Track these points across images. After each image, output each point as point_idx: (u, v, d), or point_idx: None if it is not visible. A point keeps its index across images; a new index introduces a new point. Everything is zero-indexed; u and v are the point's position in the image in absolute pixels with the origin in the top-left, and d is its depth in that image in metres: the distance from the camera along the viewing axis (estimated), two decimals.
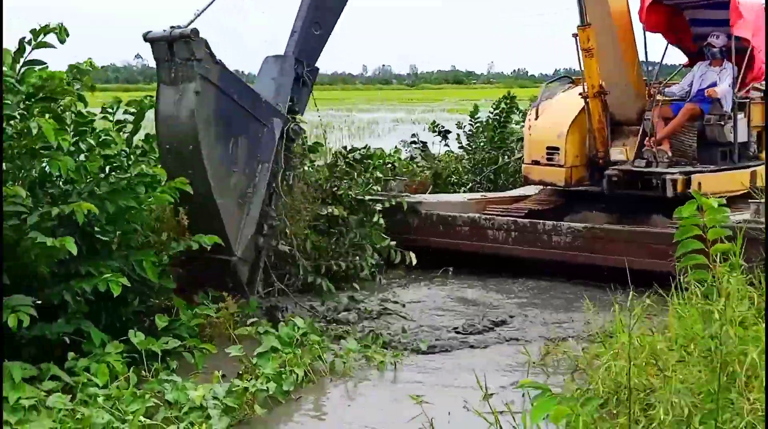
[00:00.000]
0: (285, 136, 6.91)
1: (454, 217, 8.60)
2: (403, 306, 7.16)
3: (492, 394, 4.76)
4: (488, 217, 8.61)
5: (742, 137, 8.49)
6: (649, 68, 9.53)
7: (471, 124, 12.12)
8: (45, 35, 5.07)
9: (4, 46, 4.93)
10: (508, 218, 8.52)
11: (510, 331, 6.60)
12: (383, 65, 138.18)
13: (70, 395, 4.61)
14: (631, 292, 4.54)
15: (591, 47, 8.50)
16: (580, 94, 8.85)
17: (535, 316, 6.98)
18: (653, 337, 4.24)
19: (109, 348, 5.01)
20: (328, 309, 7.10)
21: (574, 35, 8.54)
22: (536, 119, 9.20)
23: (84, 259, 5.02)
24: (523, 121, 11.98)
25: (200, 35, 6.00)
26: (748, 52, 8.31)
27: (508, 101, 11.77)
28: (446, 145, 12.16)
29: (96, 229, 5.20)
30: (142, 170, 5.15)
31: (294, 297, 7.16)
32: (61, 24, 5.13)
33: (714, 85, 8.51)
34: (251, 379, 4.95)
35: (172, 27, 6.08)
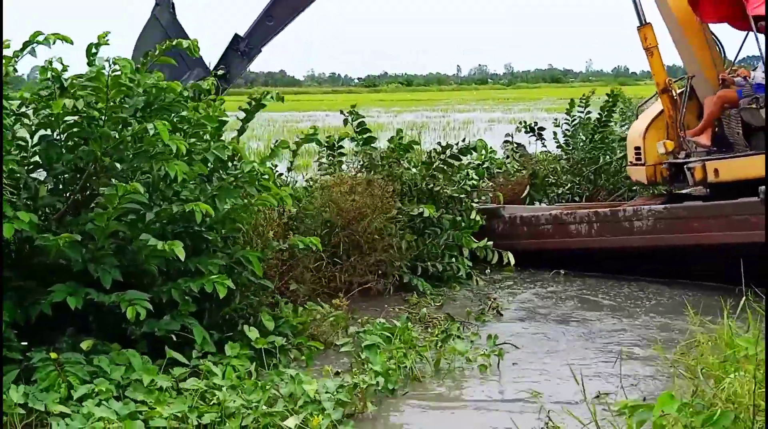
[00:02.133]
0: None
1: (536, 216, 8.67)
2: (499, 312, 7.10)
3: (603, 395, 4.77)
4: (569, 211, 8.63)
5: None
6: (751, 63, 9.22)
7: (568, 122, 11.90)
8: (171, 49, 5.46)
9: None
10: (589, 210, 8.55)
11: (610, 333, 6.47)
12: (479, 65, 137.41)
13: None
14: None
15: (650, 46, 8.58)
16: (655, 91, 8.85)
17: (636, 320, 6.82)
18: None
19: (228, 350, 5.19)
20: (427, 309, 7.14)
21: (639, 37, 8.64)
22: (636, 121, 9.27)
23: (191, 257, 5.19)
24: (622, 120, 11.79)
25: None
26: None
27: (611, 99, 11.51)
28: (543, 145, 11.96)
29: (203, 228, 5.37)
30: (254, 168, 5.29)
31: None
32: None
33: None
34: (360, 374, 5.08)
35: None
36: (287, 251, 6.50)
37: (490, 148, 11.02)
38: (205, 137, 5.41)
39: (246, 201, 5.38)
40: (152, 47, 7.47)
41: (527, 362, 5.81)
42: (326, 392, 4.76)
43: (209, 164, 5.32)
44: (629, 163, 9.17)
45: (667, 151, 8.55)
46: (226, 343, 5.28)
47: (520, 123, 12.23)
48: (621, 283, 7.96)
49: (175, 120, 5.26)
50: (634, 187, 10.25)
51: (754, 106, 8.04)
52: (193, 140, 5.29)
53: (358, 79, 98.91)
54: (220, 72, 8.15)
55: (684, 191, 9.22)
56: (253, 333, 5.44)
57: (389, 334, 5.81)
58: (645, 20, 8.63)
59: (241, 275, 5.53)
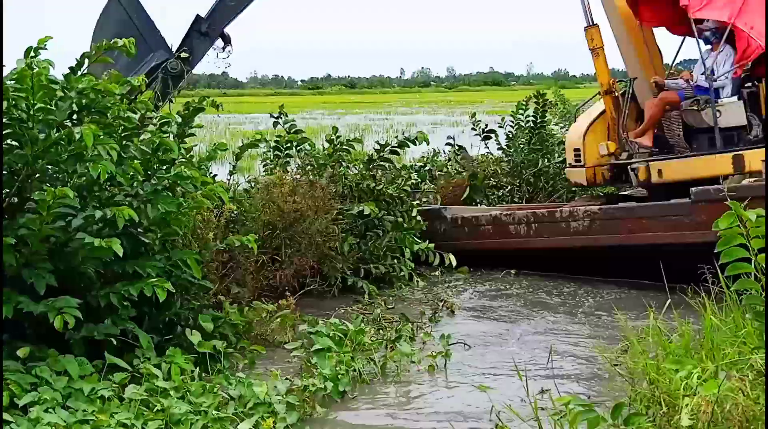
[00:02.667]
0: (164, 68, 8.19)
1: (477, 217, 8.81)
2: (453, 312, 7.21)
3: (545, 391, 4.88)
4: (509, 212, 8.79)
5: (734, 121, 8.16)
6: (687, 66, 9.48)
7: (511, 125, 11.99)
8: (105, 51, 5.29)
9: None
10: (527, 211, 8.72)
11: (550, 330, 6.60)
12: (422, 68, 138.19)
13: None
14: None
15: (596, 47, 8.75)
16: (598, 92, 9.07)
17: (569, 317, 6.98)
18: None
19: (169, 354, 5.13)
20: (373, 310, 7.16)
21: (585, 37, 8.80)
22: (574, 123, 9.47)
23: (128, 260, 5.13)
24: (561, 122, 12.00)
25: None
26: (727, 33, 8.09)
27: (539, 101, 11.65)
28: (486, 146, 12.06)
29: (139, 230, 5.31)
30: (182, 172, 5.24)
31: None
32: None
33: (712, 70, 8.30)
34: (310, 377, 5.09)
35: None
36: (227, 253, 6.46)
37: (434, 149, 11.13)
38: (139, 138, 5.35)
39: (182, 200, 5.32)
40: (112, 31, 7.51)
41: (475, 361, 5.89)
42: (277, 395, 4.75)
43: (148, 163, 5.26)
44: (568, 166, 9.32)
45: (609, 152, 8.73)
46: (167, 348, 5.23)
47: (472, 116, 12.29)
48: (567, 282, 8.13)
49: (109, 121, 5.17)
50: (573, 189, 10.43)
51: (695, 107, 8.29)
52: (127, 142, 5.21)
53: (302, 81, 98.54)
54: (183, 55, 8.13)
55: (625, 193, 9.45)
56: (195, 336, 5.40)
57: (341, 335, 5.84)
58: (592, 21, 8.81)
59: (180, 278, 5.48)
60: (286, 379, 5.14)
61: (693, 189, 7.38)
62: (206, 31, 8.60)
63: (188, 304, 5.69)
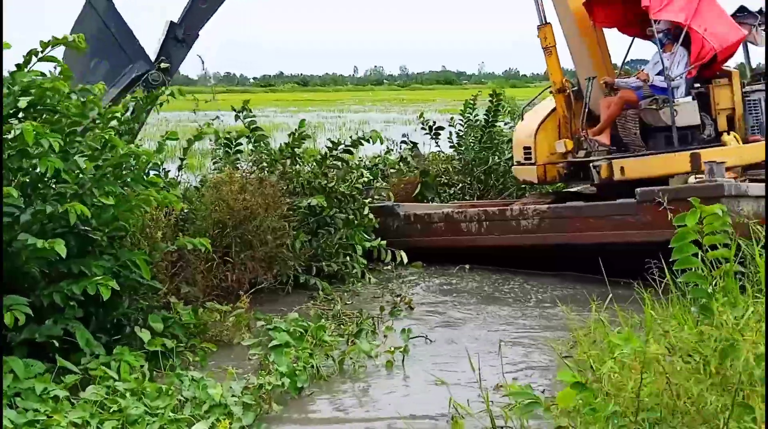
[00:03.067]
0: (145, 79, 7.91)
1: (429, 214, 8.87)
2: (411, 307, 7.26)
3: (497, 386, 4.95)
4: (460, 210, 8.87)
5: (689, 120, 8.42)
6: (634, 66, 9.66)
7: (461, 123, 12.09)
8: (53, 47, 5.19)
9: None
10: (479, 209, 8.80)
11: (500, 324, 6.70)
12: (375, 66, 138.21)
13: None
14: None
15: (550, 45, 8.84)
16: (549, 91, 9.14)
17: (518, 312, 7.07)
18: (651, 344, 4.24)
19: (118, 351, 5.07)
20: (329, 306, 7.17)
21: (538, 36, 8.89)
22: (520, 122, 9.54)
23: (75, 259, 5.05)
24: (511, 121, 12.13)
25: None
26: (683, 35, 8.32)
27: (493, 100, 11.77)
28: (437, 144, 12.14)
29: (87, 228, 5.23)
30: (131, 149, 5.17)
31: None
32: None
33: (662, 71, 8.49)
34: (266, 375, 5.09)
35: None
36: (176, 252, 6.40)
37: (387, 146, 11.14)
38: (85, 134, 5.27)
39: (129, 196, 5.26)
40: (91, 39, 7.22)
41: (432, 356, 5.94)
42: (232, 395, 4.73)
43: (93, 158, 5.17)
44: (516, 164, 9.41)
45: (567, 150, 8.83)
46: (115, 347, 5.16)
47: (420, 116, 12.36)
48: (517, 277, 8.23)
49: (55, 118, 5.09)
50: (523, 187, 10.56)
51: (654, 106, 8.46)
52: (73, 139, 5.13)
53: (254, 78, 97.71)
54: (163, 65, 7.91)
55: (573, 190, 9.58)
56: (145, 335, 5.35)
57: (302, 330, 5.84)
58: (545, 20, 8.89)
59: (129, 278, 5.41)
60: (243, 377, 5.12)
61: (638, 190, 7.52)
62: (183, 38, 8.36)
63: (137, 304, 5.62)
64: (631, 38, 9.40)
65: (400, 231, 8.90)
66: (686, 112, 8.38)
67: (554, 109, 9.13)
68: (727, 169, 7.93)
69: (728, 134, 8.63)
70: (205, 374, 5.10)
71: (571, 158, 8.85)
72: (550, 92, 9.17)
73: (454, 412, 4.62)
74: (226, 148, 8.58)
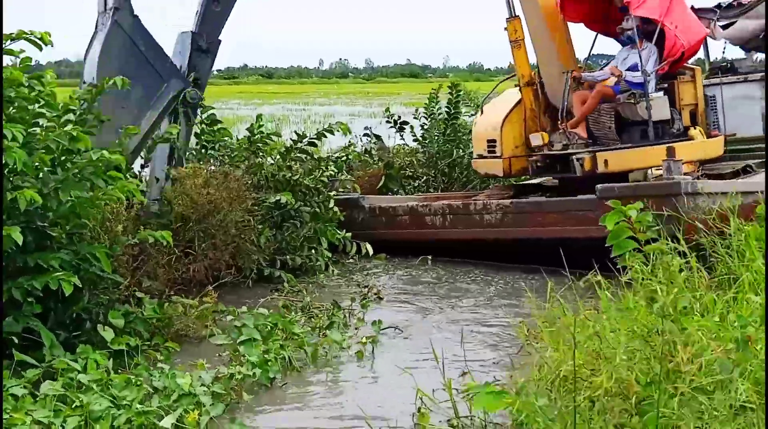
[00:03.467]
0: (183, 98, 7.58)
1: (394, 207, 8.91)
2: (381, 298, 7.32)
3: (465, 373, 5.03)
4: (425, 203, 8.92)
5: (661, 115, 8.60)
6: (595, 61, 9.76)
7: (426, 116, 12.13)
8: (14, 41, 5.12)
9: None
10: (443, 202, 8.86)
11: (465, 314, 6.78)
12: (340, 59, 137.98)
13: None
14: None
15: (519, 38, 8.86)
16: (515, 85, 9.12)
17: (481, 302, 7.15)
18: (595, 322, 4.35)
19: (81, 350, 4.98)
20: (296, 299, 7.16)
21: (506, 29, 8.87)
22: (481, 115, 9.52)
23: (32, 254, 4.98)
24: (473, 114, 12.18)
25: None
26: (657, 31, 8.46)
27: (453, 92, 11.82)
28: (402, 137, 12.17)
29: (46, 223, 5.16)
30: (103, 156, 5.11)
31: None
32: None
33: (635, 66, 8.63)
34: (237, 365, 5.08)
35: None
36: (138, 246, 6.34)
37: (350, 140, 11.13)
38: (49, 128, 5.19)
39: (92, 194, 5.20)
40: (118, 61, 6.99)
41: (401, 347, 6.00)
42: (201, 385, 4.71)
43: (54, 154, 5.11)
44: (478, 157, 9.42)
45: (543, 142, 8.86)
46: (76, 344, 5.09)
47: (386, 111, 12.37)
48: (479, 269, 8.29)
49: (12, 111, 5.01)
50: (486, 179, 10.61)
51: (632, 101, 8.59)
52: (34, 130, 5.06)
53: (218, 70, 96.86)
54: (192, 78, 7.67)
55: (535, 181, 9.62)
56: (108, 333, 5.25)
57: (272, 325, 5.84)
58: (514, 13, 8.90)
59: (88, 271, 5.34)
60: (213, 368, 5.09)
61: (598, 186, 7.59)
62: (207, 47, 7.90)
63: (97, 299, 5.55)
64: (595, 34, 9.50)
65: (365, 223, 8.92)
66: (658, 106, 8.56)
67: (519, 102, 9.14)
68: (688, 163, 8.13)
69: (694, 129, 8.82)
70: (177, 366, 5.07)
71: (546, 151, 8.85)
72: (516, 85, 9.18)
73: (420, 402, 4.65)
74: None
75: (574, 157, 8.47)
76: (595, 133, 8.91)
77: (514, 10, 8.91)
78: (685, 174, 7.67)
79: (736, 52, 11.94)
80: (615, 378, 3.63)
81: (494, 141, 9.13)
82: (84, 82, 6.88)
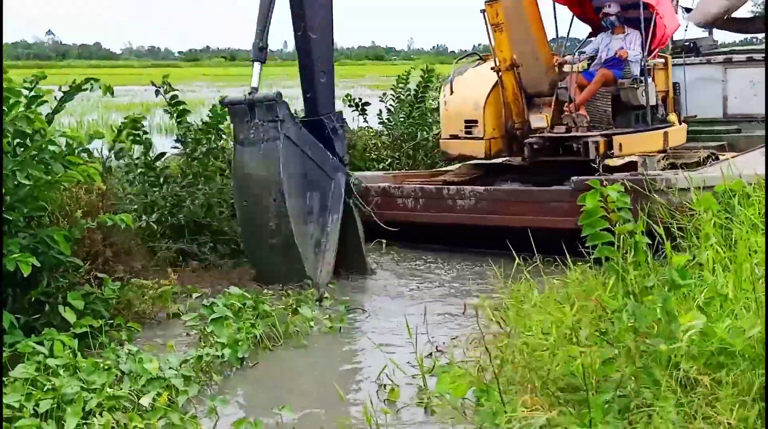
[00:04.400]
0: (348, 187, 7.45)
1: (366, 187, 8.71)
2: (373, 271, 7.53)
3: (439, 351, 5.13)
4: (397, 185, 8.78)
5: (653, 101, 8.80)
6: (562, 42, 9.79)
7: (393, 98, 12.09)
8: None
9: None
10: (415, 185, 8.73)
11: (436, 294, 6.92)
12: None
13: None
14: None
15: (500, 22, 8.71)
16: (492, 68, 8.99)
17: (449, 283, 7.24)
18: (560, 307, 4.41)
19: (46, 333, 4.90)
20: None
21: (482, 11, 8.73)
22: (451, 94, 9.35)
23: None
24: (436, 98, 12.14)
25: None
26: (653, 19, 8.54)
27: (425, 75, 11.80)
28: (365, 120, 12.15)
29: (3, 208, 5.06)
30: (46, 144, 5.00)
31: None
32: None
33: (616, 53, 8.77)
34: (205, 346, 5.07)
35: (251, 90, 6.87)
36: (101, 229, 6.26)
37: None
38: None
39: (50, 177, 5.12)
40: (297, 170, 6.82)
41: (369, 328, 6.08)
42: (170, 368, 4.68)
43: (8, 139, 5.02)
44: (450, 137, 9.27)
45: (546, 125, 8.84)
46: (37, 329, 5.03)
47: (346, 96, 12.33)
48: (443, 253, 8.32)
49: None
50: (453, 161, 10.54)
51: (634, 86, 8.68)
52: None
53: (179, 52, 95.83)
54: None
55: (501, 161, 9.60)
56: (70, 315, 5.19)
57: (241, 304, 5.83)
58: None
59: (47, 255, 5.26)
60: (183, 351, 5.10)
61: (573, 178, 7.56)
62: (337, 126, 7.44)
63: (56, 282, 5.48)
64: (572, 16, 9.50)
65: None
66: (651, 92, 8.73)
67: (496, 84, 9.01)
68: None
69: (671, 115, 9.01)
70: (143, 348, 5.05)
71: (551, 133, 8.75)
72: (493, 69, 8.95)
73: (389, 379, 4.73)
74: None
75: (588, 139, 8.37)
76: (596, 116, 8.91)
77: None
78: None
79: (696, 32, 12.13)
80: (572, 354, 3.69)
81: (474, 121, 9.04)
82: (239, 198, 6.87)
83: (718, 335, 3.61)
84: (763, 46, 10.71)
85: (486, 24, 8.74)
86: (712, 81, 10.47)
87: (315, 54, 7.28)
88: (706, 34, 12.19)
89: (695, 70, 10.24)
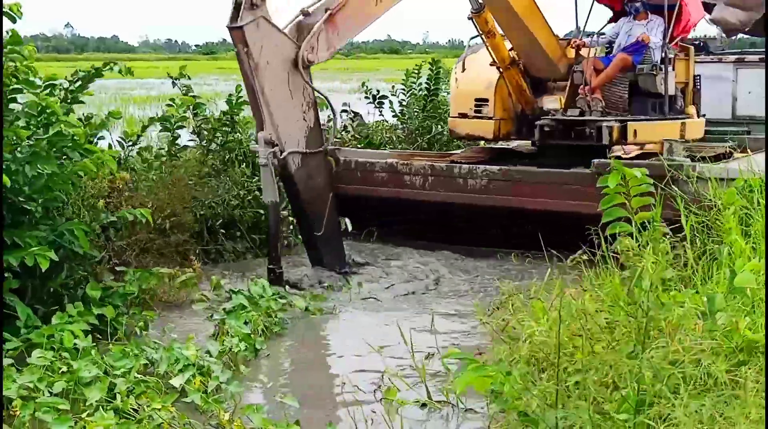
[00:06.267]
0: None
1: (372, 163, 8.32)
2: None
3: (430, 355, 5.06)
4: (405, 162, 8.36)
5: (671, 90, 8.50)
6: (578, 35, 9.50)
7: (404, 93, 12.08)
8: None
9: None
10: (425, 162, 8.33)
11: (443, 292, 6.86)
12: None
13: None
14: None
15: (491, 29, 8.39)
16: (491, 64, 8.72)
17: (462, 281, 7.17)
18: (581, 300, 4.35)
19: (57, 320, 4.95)
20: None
21: (470, 18, 8.33)
22: (463, 72, 9.11)
23: (8, 229, 4.92)
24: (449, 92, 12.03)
25: None
26: (677, 6, 8.35)
27: (433, 68, 11.77)
28: (381, 114, 12.14)
29: (20, 198, 5.09)
30: (61, 129, 5.01)
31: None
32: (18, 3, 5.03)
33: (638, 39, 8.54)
34: (225, 338, 5.16)
35: None
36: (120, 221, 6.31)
37: (328, 116, 11.02)
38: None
39: (65, 167, 5.12)
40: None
41: (371, 322, 6.09)
42: (210, 355, 4.82)
43: (30, 127, 5.03)
44: (458, 115, 8.98)
45: (560, 107, 8.61)
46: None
47: (362, 84, 12.27)
48: (454, 249, 8.07)
49: None
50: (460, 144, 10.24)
51: (653, 73, 8.41)
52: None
53: (196, 45, 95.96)
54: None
55: (512, 147, 9.44)
56: (78, 306, 5.19)
57: (258, 298, 5.93)
58: (482, 5, 8.25)
59: (67, 247, 5.28)
60: (198, 340, 5.18)
61: (594, 160, 7.30)
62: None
63: (76, 274, 5.50)
64: (592, 2, 9.14)
65: (337, 177, 7.90)
66: (670, 82, 8.44)
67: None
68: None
69: (689, 107, 8.80)
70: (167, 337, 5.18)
71: (563, 116, 8.50)
72: (497, 68, 8.69)
73: (388, 378, 4.72)
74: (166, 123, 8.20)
75: (603, 124, 8.11)
76: (612, 101, 8.66)
77: (479, 2, 8.26)
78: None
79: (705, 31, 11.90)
80: (595, 352, 3.65)
81: (485, 100, 8.78)
82: None
83: (740, 331, 3.57)
84: None
85: (477, 31, 8.45)
86: (722, 80, 10.20)
87: None
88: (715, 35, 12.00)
89: (705, 68, 9.89)
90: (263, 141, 6.46)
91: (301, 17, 6.83)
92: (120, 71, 5.89)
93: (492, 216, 7.80)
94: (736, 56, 10.51)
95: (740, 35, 12.59)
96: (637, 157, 8.21)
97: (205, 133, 8.12)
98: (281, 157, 6.56)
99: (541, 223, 7.00)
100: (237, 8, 6.23)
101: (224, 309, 5.70)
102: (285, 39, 6.63)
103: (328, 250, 7.12)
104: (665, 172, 6.46)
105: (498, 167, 7.97)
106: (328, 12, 6.79)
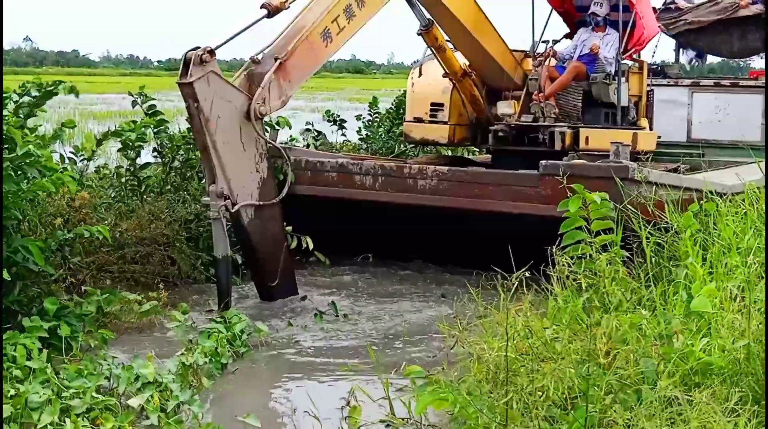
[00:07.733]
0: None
1: (322, 162, 8.08)
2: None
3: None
4: (356, 161, 8.17)
5: (624, 101, 8.64)
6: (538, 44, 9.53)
7: (370, 115, 12.24)
8: None
9: None
10: (375, 162, 8.18)
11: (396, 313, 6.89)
12: None
13: None
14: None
15: (441, 44, 8.39)
16: (444, 75, 8.72)
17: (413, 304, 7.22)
18: (530, 319, 4.38)
19: (8, 335, 4.80)
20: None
21: (419, 34, 8.27)
22: (420, 77, 9.15)
23: None
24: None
25: None
26: (632, 19, 8.50)
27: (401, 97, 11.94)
28: (343, 134, 12.28)
29: None
30: (30, 150, 4.94)
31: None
32: None
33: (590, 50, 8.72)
34: (190, 354, 5.12)
35: None
36: (83, 240, 6.22)
37: (290, 136, 11.04)
38: None
39: (21, 186, 5.04)
40: None
41: (335, 342, 6.13)
42: (169, 372, 4.74)
43: None
44: (414, 120, 8.98)
45: (514, 112, 8.70)
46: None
47: (326, 112, 12.38)
48: (417, 264, 8.24)
49: None
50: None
51: (607, 82, 8.57)
52: None
53: (158, 62, 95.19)
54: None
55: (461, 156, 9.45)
56: (36, 321, 5.04)
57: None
58: (429, 21, 8.17)
59: (19, 265, 5.18)
60: (159, 359, 5.12)
61: (542, 162, 7.20)
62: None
63: (29, 291, 5.40)
64: (550, 10, 9.31)
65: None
66: (624, 93, 8.60)
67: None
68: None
69: (642, 120, 8.96)
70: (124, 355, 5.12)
71: (517, 121, 8.57)
72: (450, 80, 8.73)
73: (353, 398, 4.70)
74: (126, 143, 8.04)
75: (555, 130, 8.23)
76: (565, 110, 8.79)
77: (427, 18, 8.12)
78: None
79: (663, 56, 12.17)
80: (549, 373, 3.68)
81: (441, 105, 8.83)
82: None
83: (695, 354, 3.63)
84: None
85: (428, 46, 8.39)
86: (677, 104, 10.46)
87: None
88: (673, 60, 12.28)
89: (661, 91, 10.10)
90: (215, 194, 6.40)
91: (252, 67, 6.74)
92: (71, 91, 5.79)
93: (440, 217, 7.66)
94: (692, 80, 10.76)
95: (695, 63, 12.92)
96: (588, 154, 8.13)
97: (167, 150, 8.04)
98: (233, 209, 6.50)
99: (489, 226, 7.05)
100: (186, 64, 6.18)
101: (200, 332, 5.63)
102: (236, 92, 6.54)
103: (282, 295, 7.09)
104: (612, 174, 6.59)
105: (447, 167, 7.90)
106: (278, 61, 6.69)
